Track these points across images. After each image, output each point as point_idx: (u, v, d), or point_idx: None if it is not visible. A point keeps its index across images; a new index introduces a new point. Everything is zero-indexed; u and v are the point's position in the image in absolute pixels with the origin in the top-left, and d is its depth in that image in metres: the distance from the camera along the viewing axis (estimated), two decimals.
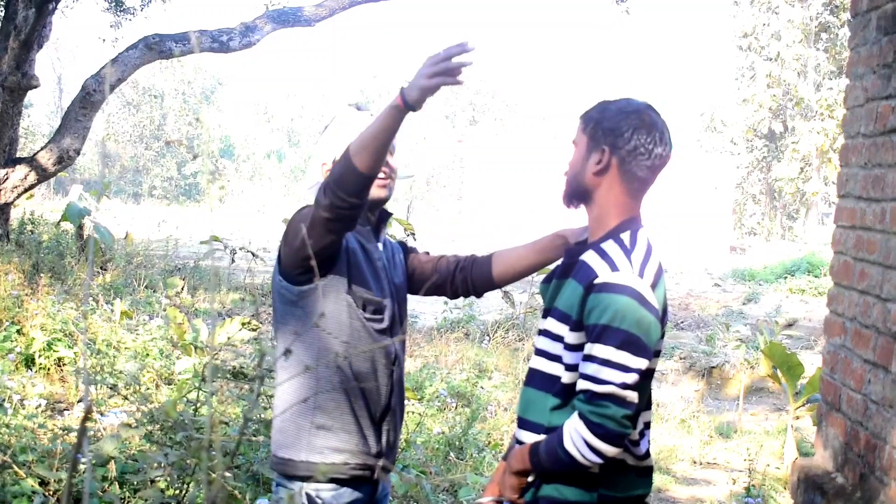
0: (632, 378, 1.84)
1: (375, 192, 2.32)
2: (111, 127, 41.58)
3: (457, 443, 4.96)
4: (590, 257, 1.95)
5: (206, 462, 2.29)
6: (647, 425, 2.02)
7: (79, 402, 5.18)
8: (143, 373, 5.42)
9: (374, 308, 2.25)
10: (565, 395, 1.95)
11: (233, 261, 8.95)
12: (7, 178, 9.24)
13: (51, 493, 3.27)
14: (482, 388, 6.79)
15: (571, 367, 1.94)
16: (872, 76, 2.47)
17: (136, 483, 3.27)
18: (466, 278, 2.44)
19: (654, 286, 1.92)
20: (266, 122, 52.60)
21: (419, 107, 1.98)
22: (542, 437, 1.97)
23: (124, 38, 16.45)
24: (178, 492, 3.02)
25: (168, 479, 3.06)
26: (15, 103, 9.47)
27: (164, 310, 7.24)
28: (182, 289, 8.82)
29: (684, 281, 17.02)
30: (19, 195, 9.57)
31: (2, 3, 10.16)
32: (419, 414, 5.48)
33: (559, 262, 2.15)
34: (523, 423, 2.04)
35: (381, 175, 2.31)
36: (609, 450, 1.85)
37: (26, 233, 9.68)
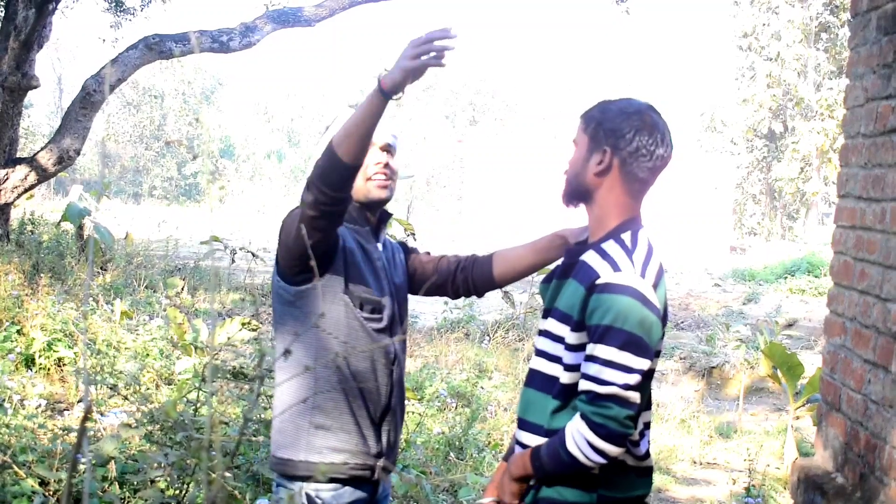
0: (634, 379, 1.84)
1: (376, 192, 2.32)
2: (111, 127, 41.56)
3: (457, 443, 4.96)
4: (591, 258, 1.94)
5: (206, 462, 2.29)
6: (647, 425, 2.02)
7: (79, 402, 5.18)
8: (143, 373, 5.42)
9: (373, 307, 2.25)
10: (565, 396, 1.95)
11: (233, 261, 8.94)
12: (7, 179, 9.24)
13: (51, 493, 3.27)
14: (482, 388, 6.78)
15: (571, 368, 1.93)
16: (872, 76, 2.47)
17: (136, 483, 3.26)
18: (467, 278, 2.44)
19: (655, 286, 1.92)
20: (266, 123, 52.58)
21: (400, 89, 1.98)
22: (542, 438, 1.96)
23: (124, 38, 16.50)
24: (178, 492, 3.02)
25: (168, 479, 3.06)
26: (15, 103, 9.47)
27: (164, 310, 7.24)
28: (182, 289, 8.82)
29: (684, 281, 17.02)
30: (19, 195, 9.57)
31: (2, 3, 10.16)
32: (419, 414, 5.48)
33: (559, 262, 2.15)
34: (523, 424, 2.04)
35: (381, 176, 2.31)
36: (612, 450, 1.85)
37: (26, 233, 9.68)
